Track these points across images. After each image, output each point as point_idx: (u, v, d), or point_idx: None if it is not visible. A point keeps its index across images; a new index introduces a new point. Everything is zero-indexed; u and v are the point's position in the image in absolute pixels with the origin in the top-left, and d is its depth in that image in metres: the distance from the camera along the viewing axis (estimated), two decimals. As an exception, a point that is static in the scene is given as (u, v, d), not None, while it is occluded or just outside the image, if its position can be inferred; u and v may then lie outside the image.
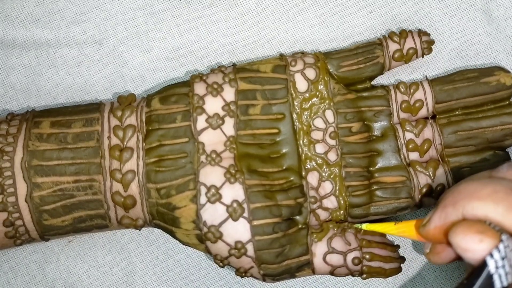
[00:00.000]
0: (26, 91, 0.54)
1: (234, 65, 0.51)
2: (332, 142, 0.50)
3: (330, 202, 0.49)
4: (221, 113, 0.48)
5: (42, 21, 0.54)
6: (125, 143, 0.47)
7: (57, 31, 0.54)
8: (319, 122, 0.50)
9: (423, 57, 0.52)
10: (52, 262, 0.54)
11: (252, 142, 0.49)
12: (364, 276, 0.49)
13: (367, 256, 0.48)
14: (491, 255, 0.37)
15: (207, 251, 0.48)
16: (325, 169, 0.50)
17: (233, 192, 0.47)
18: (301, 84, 0.50)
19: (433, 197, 0.50)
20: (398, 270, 0.50)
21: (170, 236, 0.50)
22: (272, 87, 0.49)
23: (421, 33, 0.52)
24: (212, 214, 0.46)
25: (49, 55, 0.54)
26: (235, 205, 0.46)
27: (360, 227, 0.48)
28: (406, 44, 0.51)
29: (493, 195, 0.39)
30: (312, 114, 0.50)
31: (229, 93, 0.49)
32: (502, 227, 0.38)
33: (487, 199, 0.39)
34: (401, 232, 0.46)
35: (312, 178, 0.49)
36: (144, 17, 0.54)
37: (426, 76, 0.53)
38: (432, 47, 0.52)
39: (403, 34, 0.52)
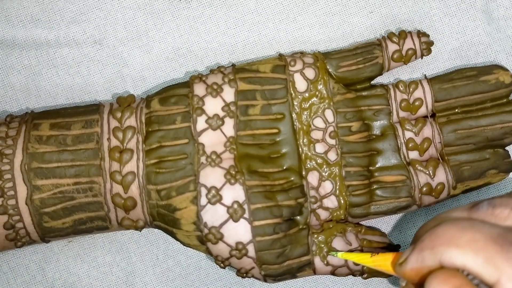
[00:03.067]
0: (26, 91, 0.54)
1: (233, 65, 0.51)
2: (332, 141, 0.50)
3: (331, 202, 0.49)
4: (221, 113, 0.48)
5: (42, 21, 0.54)
6: (125, 144, 0.47)
7: (57, 31, 0.54)
8: (318, 122, 0.50)
9: (422, 58, 0.52)
10: (52, 262, 0.54)
11: (252, 142, 0.49)
12: (365, 276, 0.49)
13: (368, 256, 0.48)
14: None
15: (208, 252, 0.48)
16: (325, 169, 0.50)
17: (234, 193, 0.47)
18: (301, 84, 0.50)
19: (433, 196, 0.50)
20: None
21: (170, 237, 0.50)
22: (271, 87, 0.49)
23: (420, 34, 0.52)
24: (213, 215, 0.46)
25: (49, 55, 0.54)
26: (235, 206, 0.46)
27: (335, 255, 0.48)
28: (405, 44, 0.51)
29: (472, 244, 0.37)
30: (312, 114, 0.50)
31: (228, 94, 0.49)
32: (481, 279, 0.36)
33: (466, 248, 0.37)
34: (377, 265, 0.45)
35: (312, 178, 0.49)
36: (144, 17, 0.54)
37: (425, 74, 0.53)
38: (431, 48, 0.52)
39: (402, 34, 0.52)
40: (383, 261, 0.44)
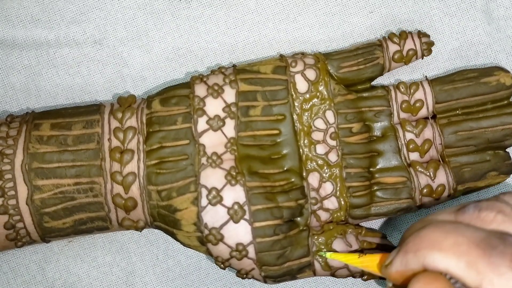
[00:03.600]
0: (26, 91, 0.54)
1: (234, 66, 0.51)
2: (333, 142, 0.50)
3: (331, 203, 0.49)
4: (222, 114, 0.48)
5: (42, 21, 0.54)
6: (126, 145, 0.47)
7: (57, 31, 0.54)
8: (319, 123, 0.50)
9: (422, 59, 0.52)
10: (52, 262, 0.54)
11: (252, 143, 0.49)
12: (365, 277, 0.49)
13: (368, 258, 0.48)
14: None
15: (208, 253, 0.48)
16: (326, 170, 0.50)
17: (234, 194, 0.47)
18: (302, 85, 0.50)
19: (433, 197, 0.50)
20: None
21: (171, 237, 0.50)
22: (272, 88, 0.49)
23: (420, 34, 0.52)
24: (213, 216, 0.46)
25: (49, 55, 0.54)
26: (236, 207, 0.46)
27: (324, 255, 0.48)
28: (406, 45, 0.51)
29: (455, 248, 0.37)
30: (313, 115, 0.50)
31: (229, 95, 0.49)
32: (463, 283, 0.37)
33: (448, 252, 0.37)
34: (364, 266, 0.45)
35: (313, 179, 0.49)
36: (144, 17, 0.54)
37: (426, 76, 0.53)
38: (431, 48, 0.52)
39: (403, 35, 0.52)
40: (370, 262, 0.45)
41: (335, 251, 0.48)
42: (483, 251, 0.36)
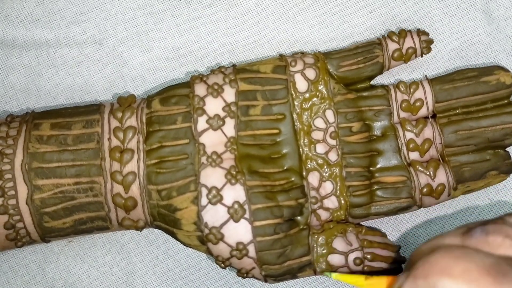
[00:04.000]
0: (26, 91, 0.54)
1: (234, 65, 0.51)
2: (333, 142, 0.50)
3: (331, 202, 0.49)
4: (222, 114, 0.48)
5: (42, 21, 0.54)
6: (126, 144, 0.47)
7: (57, 31, 0.54)
8: (319, 122, 0.50)
9: (422, 57, 0.52)
10: (52, 262, 0.54)
11: (252, 142, 0.49)
12: (365, 276, 0.49)
13: (369, 257, 0.48)
14: None
15: (209, 252, 0.48)
16: (326, 169, 0.50)
17: (234, 193, 0.47)
18: (301, 84, 0.50)
19: (433, 196, 0.50)
20: (399, 270, 0.50)
21: (171, 237, 0.50)
22: (272, 88, 0.49)
23: (420, 32, 0.52)
24: (213, 215, 0.46)
25: (49, 55, 0.54)
26: (236, 206, 0.46)
27: (329, 276, 0.48)
28: (405, 43, 0.51)
29: (465, 275, 0.37)
30: (313, 114, 0.50)
31: (229, 94, 0.49)
32: None
33: (459, 279, 0.37)
34: None
35: (313, 178, 0.49)
36: (144, 17, 0.54)
37: (426, 75, 0.53)
38: (431, 46, 0.52)
39: (402, 33, 0.52)
40: (377, 286, 0.45)
41: (335, 250, 0.48)
42: (493, 278, 0.36)
